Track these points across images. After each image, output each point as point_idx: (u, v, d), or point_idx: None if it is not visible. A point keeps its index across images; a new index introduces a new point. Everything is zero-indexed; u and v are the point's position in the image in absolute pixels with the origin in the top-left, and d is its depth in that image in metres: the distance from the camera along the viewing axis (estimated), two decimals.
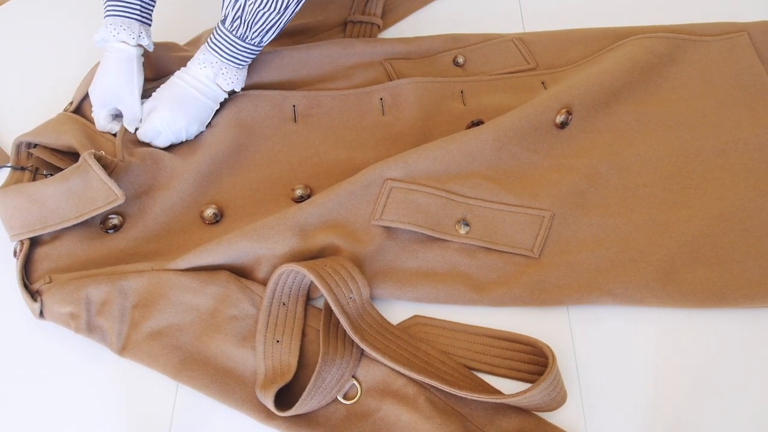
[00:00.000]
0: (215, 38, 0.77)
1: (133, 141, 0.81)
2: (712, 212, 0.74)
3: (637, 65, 0.84)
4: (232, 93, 0.84)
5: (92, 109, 0.81)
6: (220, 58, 0.77)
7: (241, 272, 0.72)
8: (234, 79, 0.79)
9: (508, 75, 0.88)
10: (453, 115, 0.85)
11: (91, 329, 0.69)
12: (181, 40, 0.94)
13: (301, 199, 0.78)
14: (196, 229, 0.76)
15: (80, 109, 0.85)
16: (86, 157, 0.72)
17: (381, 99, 0.84)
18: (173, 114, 0.78)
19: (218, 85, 0.79)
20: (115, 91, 0.79)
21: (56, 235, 0.75)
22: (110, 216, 0.76)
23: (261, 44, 0.77)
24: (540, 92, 0.86)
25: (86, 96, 0.84)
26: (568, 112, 0.80)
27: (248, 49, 0.77)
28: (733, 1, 0.96)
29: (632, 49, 0.86)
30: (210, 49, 0.78)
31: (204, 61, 0.78)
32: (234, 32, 0.75)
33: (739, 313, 0.69)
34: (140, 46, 0.80)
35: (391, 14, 0.99)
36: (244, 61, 0.79)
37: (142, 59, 0.81)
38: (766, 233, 0.72)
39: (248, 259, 0.71)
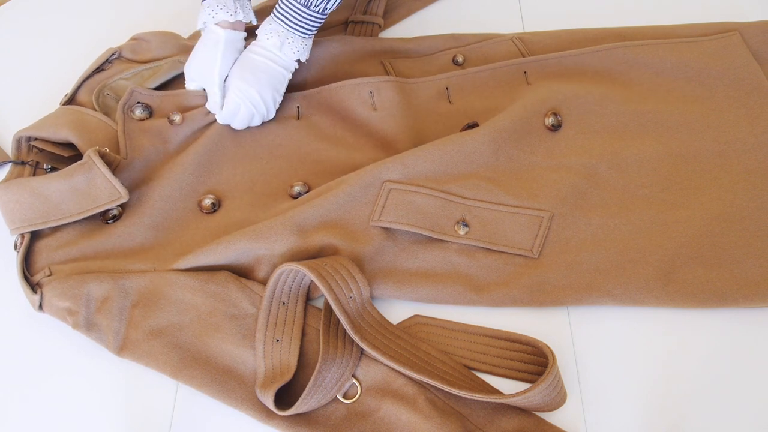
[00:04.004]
0: (280, 7, 0.78)
1: (136, 133, 0.81)
2: (711, 212, 0.74)
3: (618, 65, 0.85)
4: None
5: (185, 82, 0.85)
6: (286, 26, 0.78)
7: (241, 272, 0.72)
8: (300, 48, 0.80)
9: (492, 67, 0.88)
10: (441, 114, 0.85)
11: (89, 327, 0.69)
12: (184, 33, 0.94)
13: (299, 196, 0.78)
14: (194, 218, 0.77)
15: (75, 98, 0.86)
16: (91, 154, 0.73)
17: (371, 92, 0.84)
18: (245, 82, 0.78)
19: (286, 54, 0.80)
20: (200, 71, 0.81)
21: (56, 227, 0.75)
22: (110, 207, 0.76)
23: (325, 12, 0.78)
24: (523, 84, 0.86)
25: (81, 86, 0.86)
26: (555, 114, 0.80)
27: (313, 16, 0.77)
28: (732, 2, 0.96)
29: (616, 53, 0.86)
30: (276, 19, 0.79)
31: (270, 31, 0.79)
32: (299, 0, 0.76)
33: (739, 313, 0.69)
34: (239, 23, 0.81)
35: (393, 14, 0.99)
36: (309, 30, 0.79)
37: (240, 43, 0.82)
38: (765, 233, 0.72)
39: (248, 259, 0.71)
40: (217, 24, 0.79)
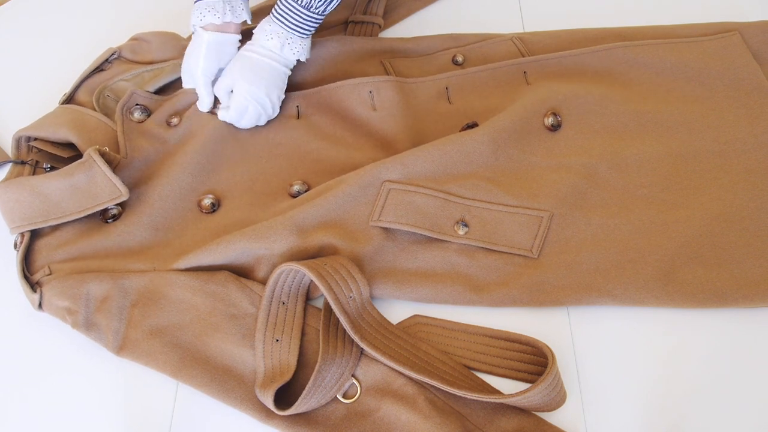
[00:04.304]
0: (280, 8, 0.78)
1: (135, 134, 0.81)
2: (711, 212, 0.74)
3: (619, 65, 0.85)
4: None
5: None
6: (286, 28, 0.79)
7: (241, 272, 0.72)
8: (299, 48, 0.80)
9: (491, 67, 0.88)
10: (441, 113, 0.85)
11: (89, 326, 0.69)
12: (184, 33, 0.94)
13: (298, 194, 0.78)
14: (194, 218, 0.77)
15: (74, 98, 0.86)
16: (91, 153, 0.73)
17: (370, 92, 0.84)
18: (251, 84, 0.79)
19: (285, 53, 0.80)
20: (188, 72, 0.83)
21: (56, 226, 0.75)
22: (109, 207, 0.76)
23: (324, 13, 0.79)
24: (522, 85, 0.86)
25: (80, 85, 0.86)
26: (555, 114, 0.80)
27: (312, 17, 0.78)
28: (732, 2, 0.96)
29: (616, 53, 0.86)
30: (275, 20, 0.79)
31: (270, 32, 0.79)
32: (299, 2, 0.77)
33: (739, 313, 0.69)
34: (228, 24, 0.81)
35: (393, 14, 0.99)
36: (308, 31, 0.80)
37: (229, 46, 0.82)
38: (765, 233, 0.72)
39: (248, 259, 0.71)
40: (202, 27, 0.80)
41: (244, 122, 0.81)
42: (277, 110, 0.83)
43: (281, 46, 0.79)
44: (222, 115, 0.81)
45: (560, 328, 0.70)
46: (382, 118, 0.82)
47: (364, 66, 0.90)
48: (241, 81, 0.79)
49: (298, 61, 0.84)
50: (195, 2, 0.80)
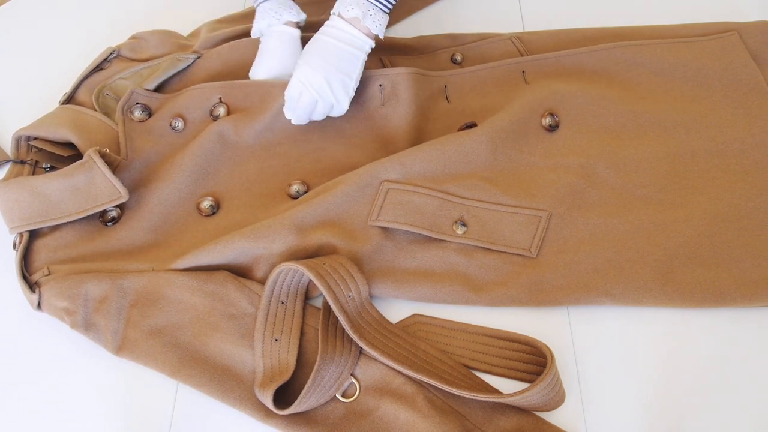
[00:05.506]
0: None
1: (136, 134, 0.81)
2: (709, 212, 0.74)
3: (616, 65, 0.86)
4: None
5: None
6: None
7: (240, 272, 0.72)
8: (380, 22, 0.76)
9: (490, 66, 0.87)
10: (440, 112, 0.84)
11: (87, 326, 0.69)
12: (184, 32, 0.95)
13: (297, 195, 0.78)
14: (193, 221, 0.77)
15: (74, 98, 0.86)
16: (92, 154, 0.73)
17: (380, 85, 0.83)
18: (312, 68, 0.74)
19: (362, 32, 0.76)
20: (281, 72, 0.83)
21: (55, 227, 0.75)
22: (109, 209, 0.76)
23: None
24: (521, 84, 0.86)
25: (80, 85, 0.86)
26: (552, 115, 0.80)
27: None
28: (731, 2, 0.97)
29: (615, 52, 0.86)
30: None
31: (352, 3, 0.75)
32: None
33: (739, 313, 0.69)
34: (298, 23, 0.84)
35: (393, 14, 0.99)
36: (390, 3, 0.76)
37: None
38: (764, 232, 0.72)
39: (247, 259, 0.71)
40: (285, 24, 0.82)
41: (299, 111, 0.76)
42: (344, 101, 0.78)
43: (363, 15, 0.74)
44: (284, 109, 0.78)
45: (560, 328, 0.70)
46: (388, 114, 0.82)
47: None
48: (300, 65, 0.75)
49: (372, 48, 0.80)
50: (258, 4, 0.82)
